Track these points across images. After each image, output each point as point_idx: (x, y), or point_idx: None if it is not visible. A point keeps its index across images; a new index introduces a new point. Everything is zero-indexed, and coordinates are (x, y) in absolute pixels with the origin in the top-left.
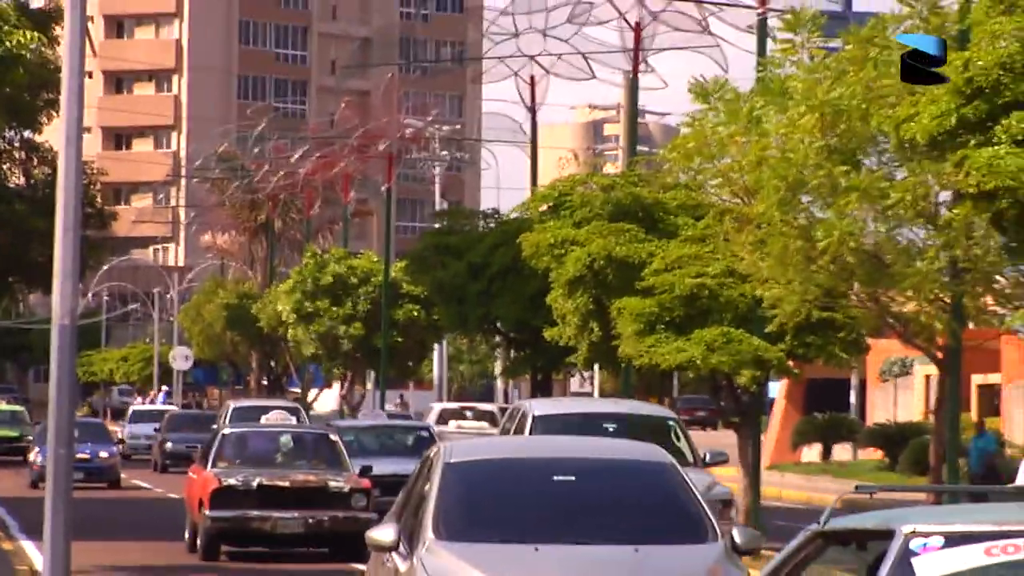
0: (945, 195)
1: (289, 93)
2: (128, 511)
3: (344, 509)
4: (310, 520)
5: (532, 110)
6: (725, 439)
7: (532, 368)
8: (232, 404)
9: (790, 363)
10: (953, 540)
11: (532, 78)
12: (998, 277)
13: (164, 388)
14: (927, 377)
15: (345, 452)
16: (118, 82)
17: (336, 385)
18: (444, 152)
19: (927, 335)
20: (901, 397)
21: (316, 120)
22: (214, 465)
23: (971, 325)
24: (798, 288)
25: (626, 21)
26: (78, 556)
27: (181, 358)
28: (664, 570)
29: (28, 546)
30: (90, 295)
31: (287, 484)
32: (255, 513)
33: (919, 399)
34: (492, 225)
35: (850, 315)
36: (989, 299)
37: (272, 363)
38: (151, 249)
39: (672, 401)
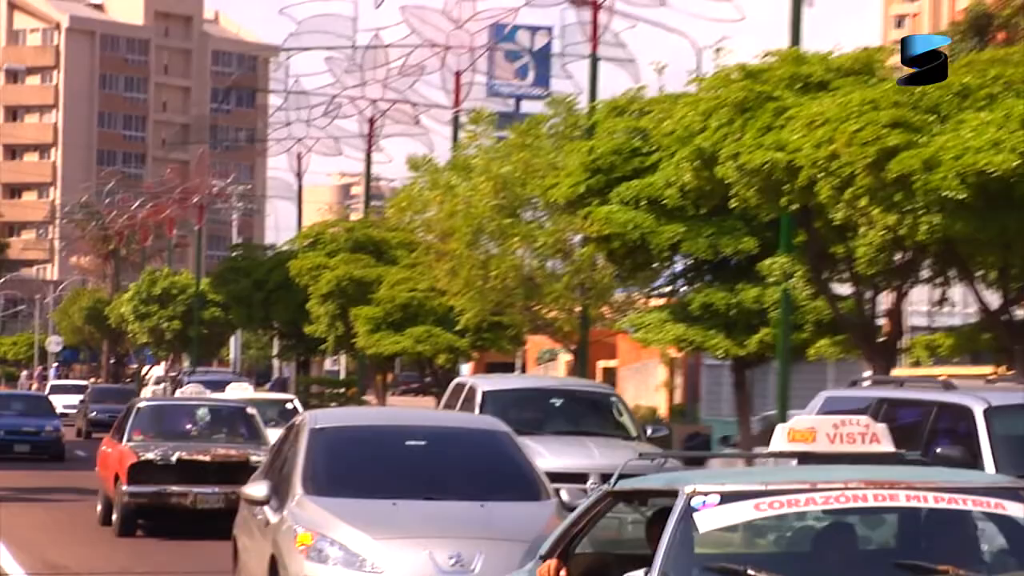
0: (576, 239)
1: (132, 162)
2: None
3: None
4: (231, 495)
5: (299, 176)
6: (428, 402)
7: (297, 353)
8: (187, 378)
9: (473, 352)
10: (727, 498)
11: (299, 154)
12: (614, 294)
13: (55, 365)
14: (567, 362)
15: (263, 425)
16: (12, 152)
17: (162, 364)
18: (239, 204)
19: (565, 333)
20: (550, 375)
21: (150, 180)
22: (129, 439)
23: (598, 326)
24: (478, 301)
25: (363, 116)
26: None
27: (54, 343)
28: (508, 523)
29: None
30: None
31: (208, 458)
32: (175, 488)
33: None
34: (270, 254)
35: (514, 319)
36: (607, 309)
37: (117, 348)
38: (35, 268)
39: (394, 377)
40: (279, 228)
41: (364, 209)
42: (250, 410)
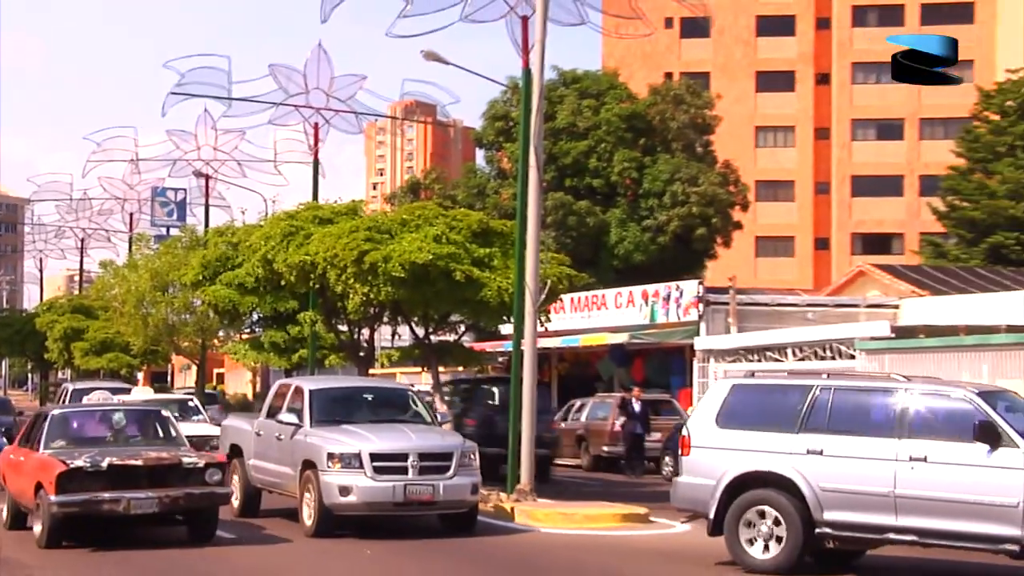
0: (198, 303)
1: None
2: None
3: (199, 485)
4: (165, 499)
5: (41, 271)
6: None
7: (41, 369)
8: (70, 386)
9: (142, 367)
10: None
11: (41, 259)
12: (219, 334)
13: None
14: (196, 370)
15: (177, 426)
16: None
17: None
18: (6, 287)
19: (193, 354)
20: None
21: None
22: (46, 447)
23: (213, 350)
24: (143, 337)
25: (79, 237)
26: None
27: None
28: None
29: None
30: None
31: (140, 463)
32: (107, 495)
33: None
34: (25, 315)
35: (163, 348)
36: (217, 341)
37: None
38: None
39: (100, 378)
40: (31, 299)
41: (79, 289)
42: (165, 412)
